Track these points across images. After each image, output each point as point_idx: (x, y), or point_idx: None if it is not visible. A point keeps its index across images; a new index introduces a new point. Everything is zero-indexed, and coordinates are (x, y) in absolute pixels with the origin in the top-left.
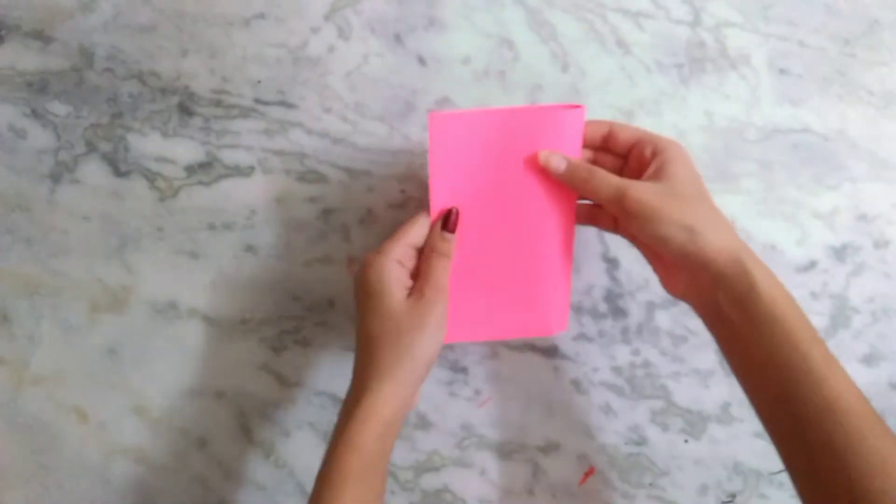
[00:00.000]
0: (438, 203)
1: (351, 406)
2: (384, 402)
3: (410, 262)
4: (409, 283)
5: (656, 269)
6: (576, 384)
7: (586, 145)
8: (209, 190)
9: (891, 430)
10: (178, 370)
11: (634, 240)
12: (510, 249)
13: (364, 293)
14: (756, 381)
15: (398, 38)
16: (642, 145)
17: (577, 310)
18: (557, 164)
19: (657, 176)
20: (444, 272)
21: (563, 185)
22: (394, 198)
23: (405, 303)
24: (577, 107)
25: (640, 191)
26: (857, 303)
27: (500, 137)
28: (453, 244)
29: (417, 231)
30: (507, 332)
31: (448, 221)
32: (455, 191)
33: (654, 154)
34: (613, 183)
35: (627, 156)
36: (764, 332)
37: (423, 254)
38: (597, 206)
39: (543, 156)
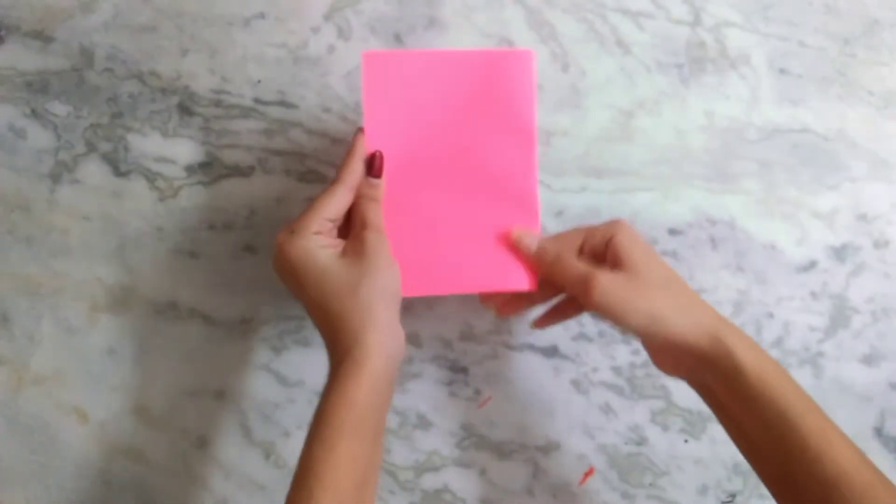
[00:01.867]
0: (373, 148)
1: (336, 370)
2: (370, 353)
3: (330, 232)
4: (337, 244)
5: (646, 349)
6: (576, 384)
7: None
8: (209, 190)
9: None
10: (178, 370)
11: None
12: (464, 197)
13: (292, 275)
14: (755, 456)
15: (398, 38)
16: (592, 236)
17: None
18: (528, 244)
19: (616, 266)
20: (377, 215)
21: (520, 133)
22: None
23: (343, 261)
24: (526, 51)
25: (605, 280)
26: (857, 303)
27: (443, 80)
28: (381, 188)
29: (334, 205)
30: (470, 285)
31: (372, 167)
32: (393, 136)
33: (607, 244)
34: (581, 270)
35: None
36: (755, 411)
37: (354, 203)
38: (562, 303)
39: (516, 234)
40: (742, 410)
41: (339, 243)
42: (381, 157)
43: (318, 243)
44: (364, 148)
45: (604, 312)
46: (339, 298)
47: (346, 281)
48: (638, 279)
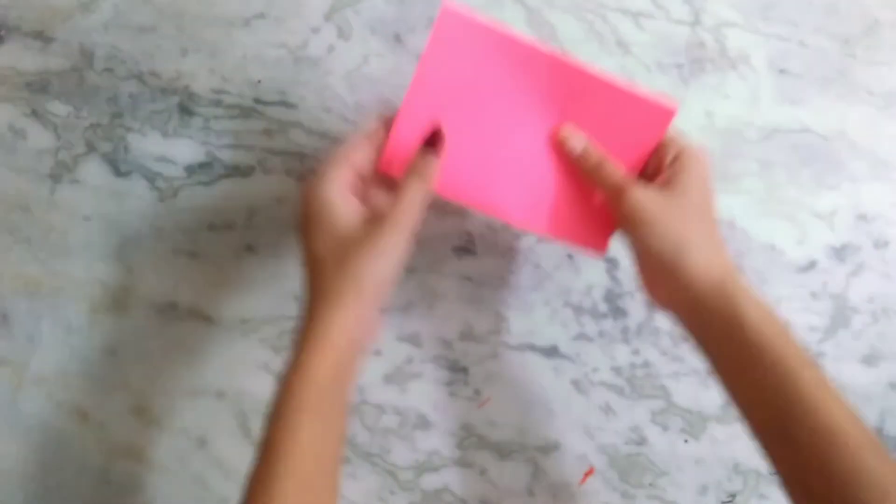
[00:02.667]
0: (410, 113)
1: (302, 336)
2: (336, 329)
3: (357, 189)
4: (360, 208)
5: (641, 272)
6: (576, 384)
7: None
8: (209, 190)
9: (888, 455)
10: (178, 370)
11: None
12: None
13: (307, 218)
14: (745, 401)
15: (398, 38)
16: (665, 148)
17: (577, 309)
18: (575, 144)
19: (667, 183)
20: (415, 196)
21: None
22: None
23: (355, 225)
24: (669, 107)
25: (640, 195)
26: (857, 303)
27: (537, 84)
28: (434, 168)
29: (359, 153)
30: (537, 224)
31: (432, 142)
32: (437, 108)
33: (674, 160)
34: (617, 179)
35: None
36: (751, 359)
37: (404, 174)
38: None
39: (565, 131)
40: (737, 358)
41: (363, 209)
42: (442, 136)
43: (340, 194)
44: (431, 136)
45: (630, 225)
46: (330, 258)
47: (340, 249)
48: (678, 202)
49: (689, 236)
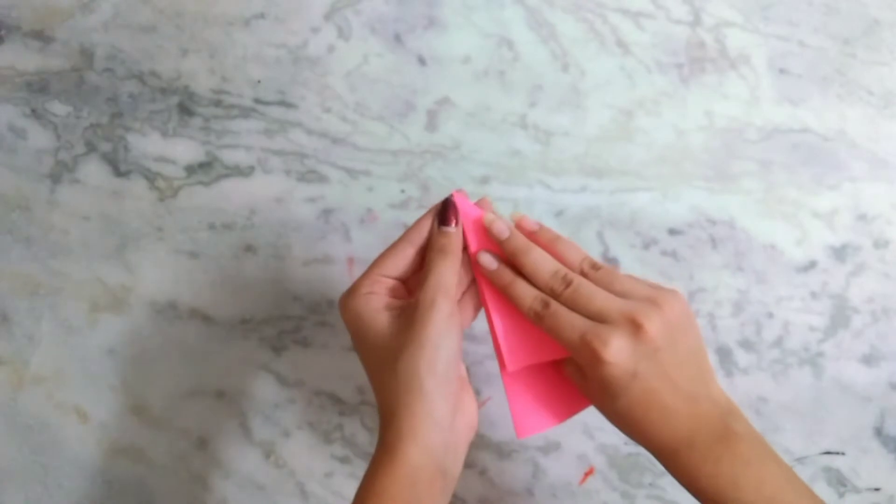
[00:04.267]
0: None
1: (375, 454)
2: (402, 440)
3: (390, 291)
4: (396, 305)
5: None
6: None
7: None
8: (209, 190)
9: None
10: (178, 370)
11: None
12: None
13: (351, 336)
14: None
15: (398, 38)
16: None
17: None
18: (489, 262)
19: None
20: (442, 270)
21: None
22: (394, 198)
23: (394, 326)
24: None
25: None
26: (857, 303)
27: None
28: (455, 239)
29: (392, 260)
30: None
31: (443, 214)
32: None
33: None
34: (577, 325)
35: None
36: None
37: (426, 258)
38: None
39: (488, 218)
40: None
41: (400, 304)
42: (454, 204)
43: (369, 304)
44: (441, 210)
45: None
46: (381, 370)
47: (389, 350)
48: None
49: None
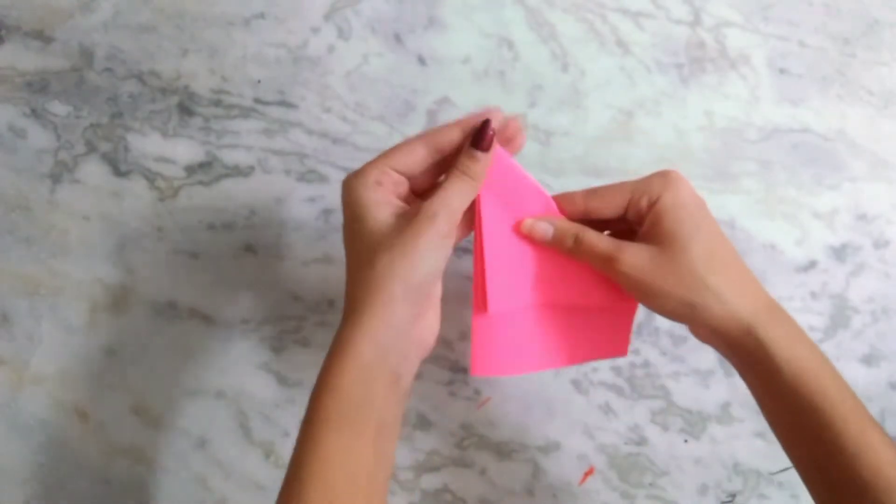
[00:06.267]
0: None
1: (331, 346)
2: (360, 337)
3: (396, 187)
4: (397, 208)
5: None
6: (576, 384)
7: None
8: (209, 190)
9: None
10: (178, 370)
11: None
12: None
13: (344, 212)
14: (785, 440)
15: (398, 38)
16: (636, 199)
17: None
18: (544, 231)
19: (651, 235)
20: (458, 192)
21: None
22: None
23: (388, 224)
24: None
25: (631, 261)
26: (857, 303)
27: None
28: (483, 165)
29: (404, 156)
30: (566, 358)
31: (480, 137)
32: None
33: (649, 205)
34: (602, 249)
35: (626, 215)
36: (791, 408)
37: (447, 173)
38: None
39: (527, 225)
40: (777, 406)
41: (401, 206)
42: (492, 130)
43: (375, 194)
44: (470, 122)
45: (635, 293)
46: (360, 260)
47: (376, 244)
48: (674, 257)
49: (698, 291)
